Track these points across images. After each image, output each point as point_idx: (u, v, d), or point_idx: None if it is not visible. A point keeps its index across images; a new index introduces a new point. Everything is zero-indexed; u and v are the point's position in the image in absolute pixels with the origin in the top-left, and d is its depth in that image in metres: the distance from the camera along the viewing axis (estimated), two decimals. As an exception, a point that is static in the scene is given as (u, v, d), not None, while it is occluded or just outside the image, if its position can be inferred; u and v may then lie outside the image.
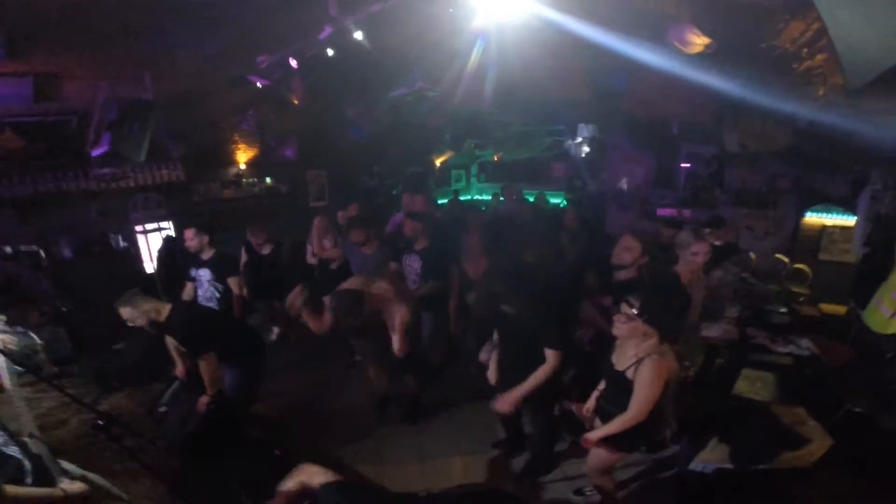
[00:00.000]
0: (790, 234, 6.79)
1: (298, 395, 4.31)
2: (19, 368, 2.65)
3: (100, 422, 1.94)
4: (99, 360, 4.48)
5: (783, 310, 4.34)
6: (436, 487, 3.10)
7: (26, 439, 2.13)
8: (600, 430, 2.29)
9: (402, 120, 6.84)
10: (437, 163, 10.24)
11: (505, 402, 2.69)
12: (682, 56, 3.69)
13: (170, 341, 3.34)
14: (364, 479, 3.17)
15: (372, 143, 7.44)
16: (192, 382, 3.26)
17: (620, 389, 2.22)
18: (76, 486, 1.82)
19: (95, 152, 4.99)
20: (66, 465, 2.28)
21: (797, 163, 6.44)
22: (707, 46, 3.55)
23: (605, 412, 2.36)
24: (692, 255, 2.92)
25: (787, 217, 6.78)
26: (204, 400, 3.07)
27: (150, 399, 3.88)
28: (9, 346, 3.48)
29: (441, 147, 9.45)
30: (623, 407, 2.19)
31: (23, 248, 4.76)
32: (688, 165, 7.12)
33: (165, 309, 3.03)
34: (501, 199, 7.09)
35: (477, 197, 10.79)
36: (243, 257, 4.79)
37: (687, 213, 7.00)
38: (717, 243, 4.88)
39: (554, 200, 8.91)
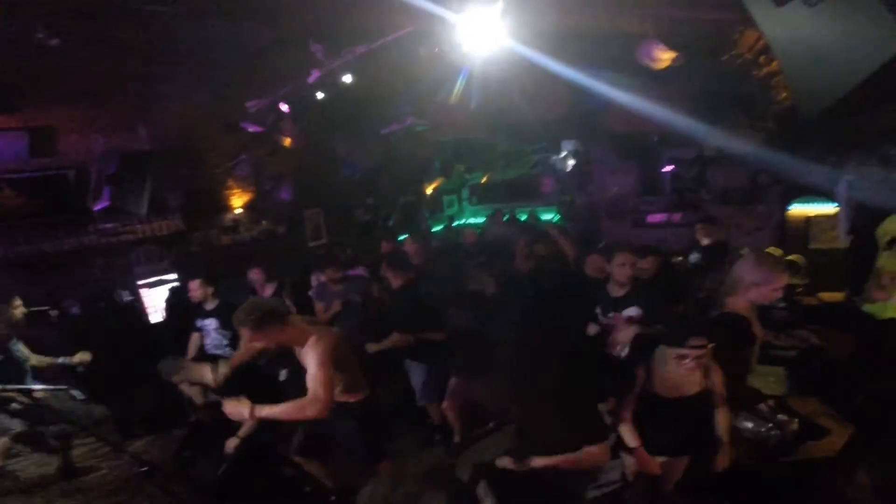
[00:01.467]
0: (778, 227, 6.96)
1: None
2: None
3: (144, 468, 1.97)
4: (115, 411, 4.47)
5: (782, 305, 4.44)
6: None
7: None
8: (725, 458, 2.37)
9: (394, 153, 7.03)
10: (429, 190, 10.44)
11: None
12: (652, 72, 3.92)
13: (189, 389, 3.36)
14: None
15: (364, 177, 7.61)
16: (216, 426, 3.25)
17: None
18: None
19: (97, 207, 5.07)
20: None
21: (775, 158, 6.67)
22: (674, 60, 3.78)
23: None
24: (773, 292, 2.33)
25: (772, 211, 6.96)
26: (233, 442, 3.05)
27: (173, 444, 3.89)
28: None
29: (431, 174, 9.66)
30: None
31: (34, 309, 4.79)
32: (670, 168, 7.33)
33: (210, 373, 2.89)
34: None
35: (471, 220, 10.95)
36: None
37: (676, 217, 7.16)
38: (707, 242, 5.04)
39: (546, 216, 9.10)
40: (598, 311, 3.15)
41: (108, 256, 5.91)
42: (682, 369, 2.18)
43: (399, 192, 9.41)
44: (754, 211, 6.94)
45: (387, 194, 9.08)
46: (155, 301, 5.85)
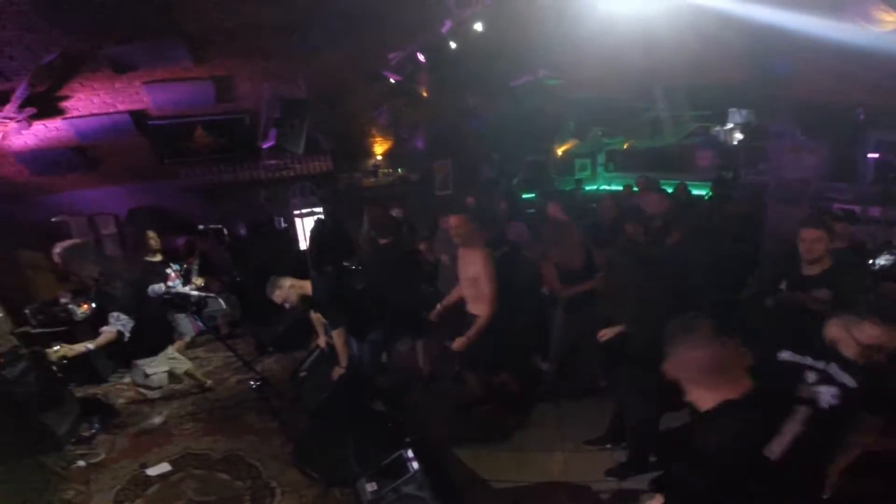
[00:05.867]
0: None
1: (415, 371, 4.50)
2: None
3: (253, 383, 2.33)
4: (257, 327, 5.24)
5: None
6: (529, 479, 3.07)
7: None
8: None
9: (524, 108, 6.72)
10: (560, 151, 9.87)
11: None
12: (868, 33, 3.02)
13: (314, 314, 3.79)
14: (458, 461, 3.23)
15: (492, 132, 7.50)
16: (332, 353, 3.54)
17: None
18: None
19: (265, 146, 5.85)
20: None
21: None
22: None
23: None
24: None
25: None
26: (338, 371, 3.37)
27: (293, 364, 4.39)
28: None
29: (564, 135, 9.08)
30: None
31: (211, 226, 5.88)
32: (876, 156, 5.78)
33: (307, 285, 3.41)
34: (636, 189, 6.69)
35: (604, 187, 10.16)
36: None
37: (875, 210, 5.72)
38: None
39: (697, 192, 8.00)
40: (782, 286, 3.00)
41: (271, 189, 6.90)
42: None
43: (526, 151, 9.07)
44: None
45: (513, 152, 8.84)
46: (305, 229, 6.68)
